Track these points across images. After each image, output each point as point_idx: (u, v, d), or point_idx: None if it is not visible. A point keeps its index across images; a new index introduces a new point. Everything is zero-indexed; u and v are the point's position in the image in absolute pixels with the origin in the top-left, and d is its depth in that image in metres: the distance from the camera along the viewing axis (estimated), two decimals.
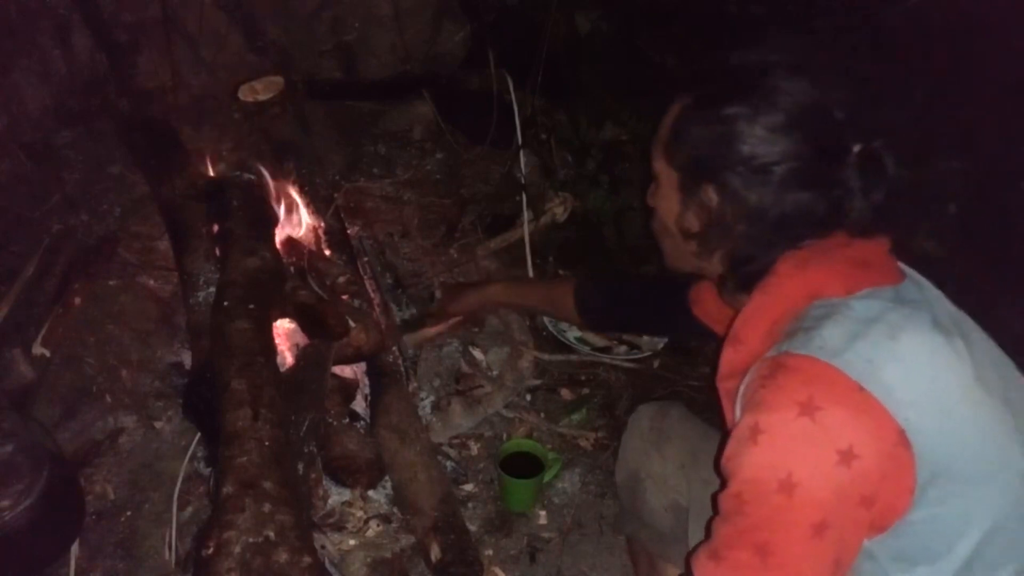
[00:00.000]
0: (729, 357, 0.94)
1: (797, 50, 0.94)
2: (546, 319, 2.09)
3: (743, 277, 0.96)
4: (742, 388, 0.87)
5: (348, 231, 2.14)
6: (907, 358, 0.82)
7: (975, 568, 0.83)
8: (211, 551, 1.08)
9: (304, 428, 1.48)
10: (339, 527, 1.57)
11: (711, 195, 0.94)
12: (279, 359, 1.53)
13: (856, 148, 0.89)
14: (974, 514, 0.82)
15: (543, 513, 1.68)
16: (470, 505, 1.68)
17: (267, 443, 1.23)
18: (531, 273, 2.16)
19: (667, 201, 1.01)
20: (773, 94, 0.90)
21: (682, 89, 0.98)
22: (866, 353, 0.80)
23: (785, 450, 0.79)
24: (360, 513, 1.60)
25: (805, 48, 0.96)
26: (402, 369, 1.82)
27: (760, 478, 0.80)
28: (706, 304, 1.27)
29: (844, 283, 0.88)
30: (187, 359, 1.83)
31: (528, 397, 1.94)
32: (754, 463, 0.81)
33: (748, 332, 0.92)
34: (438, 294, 2.09)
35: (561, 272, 2.29)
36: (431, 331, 1.88)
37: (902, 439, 0.79)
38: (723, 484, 0.85)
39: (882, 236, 0.93)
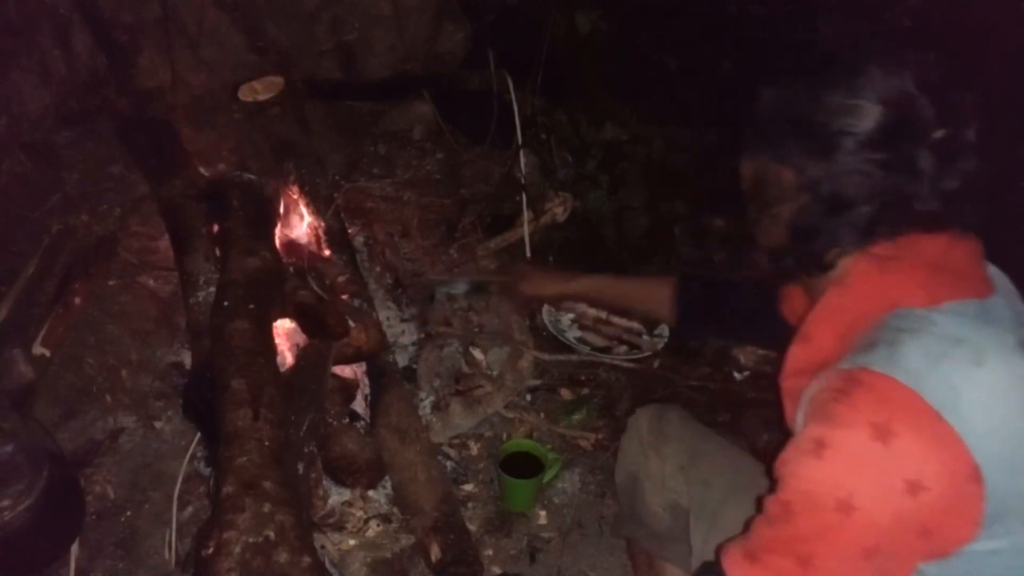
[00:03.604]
0: (797, 354, 0.91)
1: (875, 29, 0.92)
2: (546, 319, 2.09)
3: (805, 255, 0.93)
4: (809, 393, 0.84)
5: (348, 231, 2.14)
6: (990, 386, 0.78)
7: None
8: (211, 551, 1.08)
9: (304, 428, 1.48)
10: (339, 527, 1.57)
11: (771, 162, 0.92)
12: (279, 359, 1.53)
13: (938, 133, 0.84)
14: None
15: (543, 513, 1.68)
16: (470, 505, 1.68)
17: (267, 443, 1.23)
18: None
19: (743, 165, 0.99)
20: (849, 67, 0.86)
21: (769, 59, 0.97)
22: (949, 378, 0.77)
23: (850, 471, 0.77)
24: (360, 513, 1.60)
25: (885, 27, 0.94)
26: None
27: (817, 492, 0.78)
28: (792, 301, 1.21)
29: (927, 292, 0.84)
30: (187, 359, 1.83)
31: (528, 397, 1.94)
32: (814, 477, 0.78)
33: (819, 331, 0.90)
34: (438, 294, 2.09)
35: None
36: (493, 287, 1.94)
37: (975, 474, 0.76)
38: (772, 486, 0.83)
39: (962, 234, 0.89)
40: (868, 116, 0.84)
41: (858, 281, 0.88)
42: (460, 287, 1.99)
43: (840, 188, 0.86)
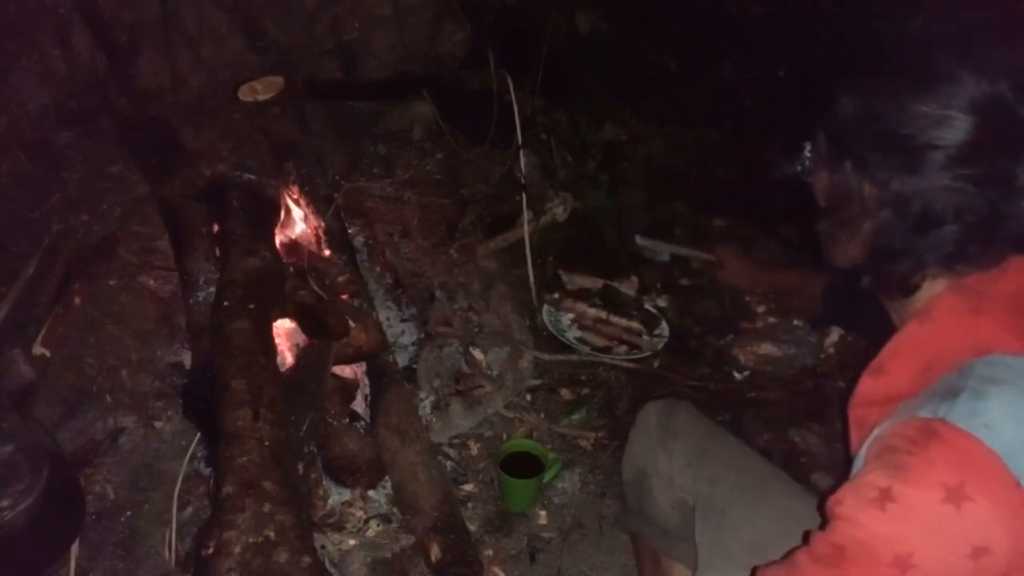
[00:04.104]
0: (868, 387, 0.85)
1: (969, 25, 0.81)
2: (546, 319, 2.09)
3: (884, 276, 0.86)
4: (880, 430, 0.79)
5: (348, 231, 2.14)
6: None
7: None
8: (211, 551, 1.08)
9: (304, 428, 1.48)
10: (339, 527, 1.57)
11: (850, 173, 0.85)
12: (279, 359, 1.53)
13: None
14: None
15: (543, 513, 1.68)
16: (470, 505, 1.68)
17: (267, 443, 1.23)
18: (531, 273, 2.15)
19: (818, 174, 0.92)
20: (940, 71, 0.78)
21: (854, 55, 0.89)
22: None
23: (915, 530, 0.73)
24: (360, 513, 1.60)
25: (977, 23, 0.82)
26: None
27: (875, 545, 0.74)
28: None
29: (1021, 338, 0.78)
30: (187, 359, 1.83)
31: (528, 397, 1.94)
32: (875, 529, 0.74)
33: (896, 365, 0.83)
34: (438, 294, 2.09)
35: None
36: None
37: None
38: (824, 522, 0.80)
39: None
40: (959, 127, 0.77)
41: (944, 316, 0.82)
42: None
43: (927, 205, 0.79)
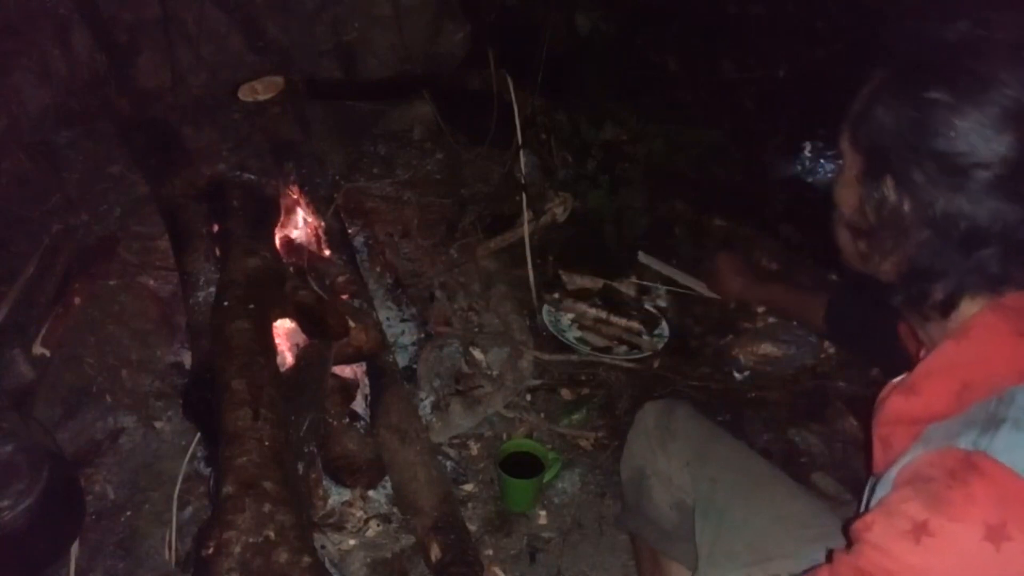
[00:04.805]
0: (899, 405, 0.82)
1: (1020, 32, 0.77)
2: (546, 319, 2.09)
3: (919, 296, 0.82)
4: (911, 457, 0.76)
5: (348, 231, 2.14)
6: None
7: None
8: (211, 551, 1.08)
9: (304, 428, 1.48)
10: (339, 527, 1.57)
11: (890, 190, 0.80)
12: (279, 359, 1.53)
13: None
14: None
15: (543, 513, 1.68)
16: (470, 505, 1.68)
17: (267, 443, 1.23)
18: (531, 273, 2.16)
19: (847, 189, 0.86)
20: (989, 82, 0.74)
21: (886, 60, 0.83)
22: None
23: (950, 566, 0.71)
24: (360, 513, 1.60)
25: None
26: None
27: None
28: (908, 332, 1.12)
29: None
30: (187, 359, 1.83)
31: (528, 397, 1.94)
32: (907, 560, 0.71)
33: (930, 386, 0.80)
34: (438, 294, 2.09)
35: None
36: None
37: None
38: (849, 544, 0.78)
39: None
40: (1008, 144, 0.74)
41: (983, 338, 0.79)
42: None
43: (972, 225, 0.76)
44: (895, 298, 0.86)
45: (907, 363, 1.04)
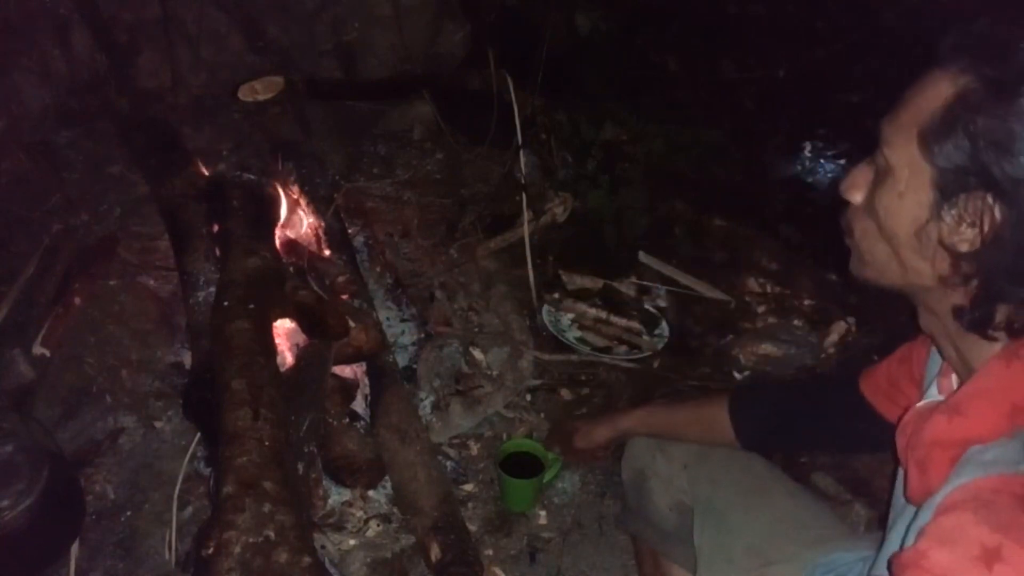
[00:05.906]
0: (941, 427, 0.78)
1: None
2: (546, 319, 2.09)
3: (984, 319, 0.78)
4: (959, 482, 0.73)
5: (348, 231, 2.14)
6: None
7: None
8: (211, 551, 1.08)
9: (304, 428, 1.47)
10: (339, 527, 1.57)
11: (987, 207, 0.73)
12: (279, 359, 1.53)
13: None
14: None
15: (543, 513, 1.68)
16: (470, 505, 1.68)
17: (267, 443, 1.23)
18: (531, 273, 2.16)
19: (903, 201, 0.78)
20: None
21: (950, 58, 0.75)
22: None
23: None
24: (360, 513, 1.60)
25: None
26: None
27: None
28: (879, 383, 1.07)
29: None
30: (187, 359, 1.83)
31: (528, 397, 1.94)
32: None
33: (978, 408, 0.77)
34: (438, 294, 2.09)
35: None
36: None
37: None
38: (889, 565, 0.73)
39: None
40: None
41: None
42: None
43: None
44: (963, 319, 0.80)
45: (870, 421, 1.06)
